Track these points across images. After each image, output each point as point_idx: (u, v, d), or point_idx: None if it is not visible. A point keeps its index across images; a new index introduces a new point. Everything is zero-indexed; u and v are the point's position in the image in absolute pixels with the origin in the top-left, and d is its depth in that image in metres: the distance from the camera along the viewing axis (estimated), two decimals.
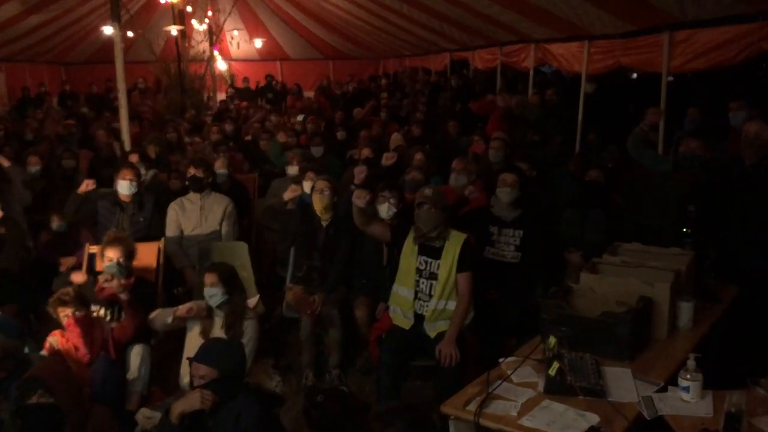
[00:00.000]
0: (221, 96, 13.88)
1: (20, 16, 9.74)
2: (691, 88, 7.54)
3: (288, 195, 4.75)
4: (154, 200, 4.65)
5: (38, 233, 4.76)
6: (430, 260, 3.28)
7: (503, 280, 3.69)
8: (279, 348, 4.13)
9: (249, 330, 3.46)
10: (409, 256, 3.34)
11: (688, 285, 2.97)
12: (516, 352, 2.73)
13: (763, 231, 3.41)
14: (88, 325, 3.25)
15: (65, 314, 3.25)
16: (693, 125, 5.89)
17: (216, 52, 13.58)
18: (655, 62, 5.53)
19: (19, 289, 4.09)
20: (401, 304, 3.36)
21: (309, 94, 14.59)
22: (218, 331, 3.42)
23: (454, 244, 3.26)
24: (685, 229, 3.36)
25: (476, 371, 2.73)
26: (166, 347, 3.84)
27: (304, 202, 4.64)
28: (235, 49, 15.25)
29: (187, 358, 2.74)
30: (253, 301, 3.68)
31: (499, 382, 2.44)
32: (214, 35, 13.37)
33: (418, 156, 5.47)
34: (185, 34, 11.87)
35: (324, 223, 4.12)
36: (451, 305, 3.24)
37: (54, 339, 3.28)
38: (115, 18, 6.67)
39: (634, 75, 8.54)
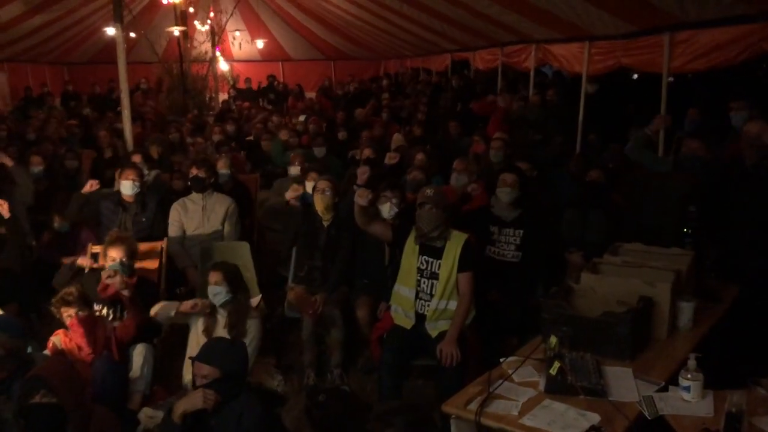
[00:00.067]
0: (223, 96, 13.90)
1: (23, 16, 9.77)
2: (691, 89, 7.55)
3: (290, 195, 4.77)
4: (156, 200, 4.66)
5: (40, 233, 4.77)
6: (431, 260, 3.29)
7: (504, 279, 3.70)
8: (280, 348, 4.14)
9: (252, 329, 3.47)
10: (411, 256, 3.34)
11: (688, 285, 2.98)
12: (517, 352, 2.73)
13: (763, 231, 3.42)
14: (91, 325, 3.26)
15: (68, 314, 3.26)
16: (693, 126, 5.90)
17: (218, 53, 13.60)
18: (656, 63, 5.53)
19: (21, 288, 4.11)
20: (402, 303, 3.37)
21: (310, 94, 14.61)
22: (221, 330, 3.43)
23: (455, 244, 3.27)
24: (685, 230, 3.37)
25: (477, 371, 2.73)
26: (168, 346, 3.85)
27: (306, 202, 4.65)
28: (237, 50, 15.28)
29: (190, 358, 2.74)
30: (255, 300, 3.69)
31: (500, 381, 2.45)
32: (216, 36, 13.39)
33: (420, 156, 5.49)
34: (187, 35, 11.89)
35: (325, 223, 4.13)
36: (452, 305, 3.25)
37: (57, 338, 3.30)
38: (117, 19, 6.69)
39: (635, 75, 8.53)
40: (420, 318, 3.31)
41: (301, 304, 3.91)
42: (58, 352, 3.26)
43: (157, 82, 12.40)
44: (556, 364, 2.40)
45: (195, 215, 4.57)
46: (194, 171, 4.68)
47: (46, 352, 3.29)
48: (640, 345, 2.66)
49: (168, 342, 3.88)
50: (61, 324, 3.35)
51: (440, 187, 4.01)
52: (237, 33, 14.52)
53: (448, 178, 5.15)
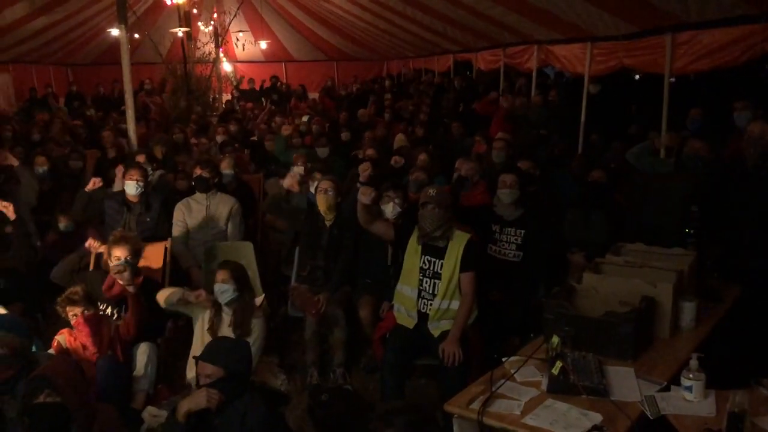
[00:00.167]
0: (227, 97, 13.94)
1: (28, 17, 9.81)
2: (693, 89, 7.55)
3: (287, 182, 4.75)
4: (161, 201, 4.68)
5: (45, 234, 4.79)
6: (433, 260, 3.30)
7: (506, 279, 3.71)
8: (283, 347, 4.15)
9: (256, 328, 3.48)
10: (413, 256, 3.36)
11: (690, 285, 2.98)
12: (519, 352, 2.74)
13: (764, 231, 3.42)
14: (96, 324, 3.28)
15: (74, 313, 3.28)
16: (695, 126, 5.89)
17: (221, 54, 13.63)
18: (658, 63, 5.53)
19: (26, 288, 4.13)
20: (405, 303, 3.38)
21: (314, 95, 14.63)
22: (226, 329, 3.45)
23: (458, 244, 3.28)
24: (687, 230, 3.38)
25: (480, 370, 2.75)
26: (172, 346, 3.87)
27: (309, 202, 4.67)
28: (240, 51, 15.31)
29: (194, 357, 2.75)
30: (258, 300, 3.71)
31: (503, 381, 2.46)
32: (220, 37, 13.43)
33: (422, 156, 5.50)
34: (191, 36, 11.92)
35: (328, 223, 4.14)
36: (455, 305, 3.26)
37: (62, 337, 3.32)
38: (121, 20, 6.72)
39: (637, 76, 8.53)
40: (422, 317, 3.32)
41: (304, 303, 3.92)
42: (63, 351, 3.27)
43: (160, 83, 12.43)
44: (559, 364, 2.40)
45: (199, 215, 4.59)
46: (198, 171, 4.70)
47: (51, 351, 3.30)
48: (642, 345, 2.66)
49: (172, 341, 3.90)
50: (66, 323, 3.37)
51: (443, 188, 4.02)
52: (240, 34, 14.55)
53: (450, 178, 5.16)
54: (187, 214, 4.59)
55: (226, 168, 5.31)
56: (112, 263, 3.51)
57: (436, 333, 3.27)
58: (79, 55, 14.58)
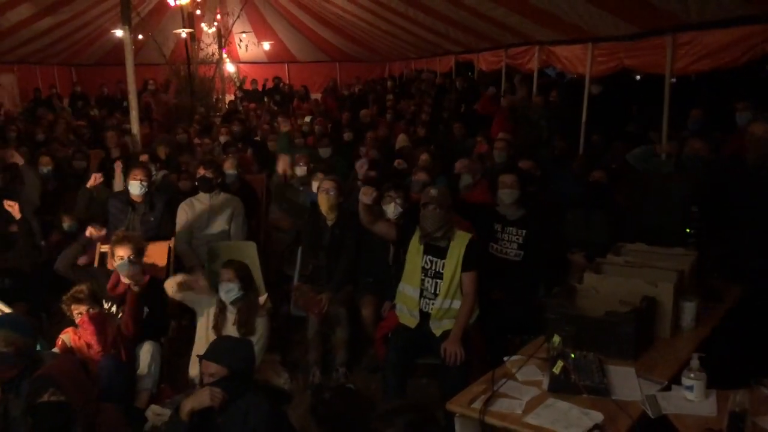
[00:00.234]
0: (230, 98, 13.98)
1: (32, 18, 9.85)
2: (694, 90, 7.55)
3: (280, 167, 4.76)
4: (164, 200, 4.70)
5: (49, 233, 4.82)
6: (435, 260, 3.32)
7: (507, 278, 3.72)
8: (286, 346, 4.17)
9: (260, 327, 3.50)
10: (415, 256, 3.37)
11: (691, 285, 2.99)
12: (520, 351, 2.75)
13: (765, 231, 3.42)
14: (101, 323, 3.29)
15: (79, 311, 3.29)
16: (696, 126, 5.90)
17: (224, 55, 13.66)
18: (659, 64, 5.54)
19: (30, 288, 4.16)
20: (407, 302, 3.40)
21: (316, 95, 14.65)
22: (231, 327, 3.47)
23: (459, 243, 3.30)
24: (688, 230, 3.38)
25: (481, 369, 2.76)
26: (175, 345, 3.89)
27: (312, 202, 4.69)
28: (243, 52, 15.34)
29: (197, 356, 2.77)
30: (261, 299, 3.72)
31: (504, 380, 2.47)
32: (223, 38, 13.46)
33: (424, 157, 5.51)
34: (194, 37, 11.96)
35: (329, 223, 4.16)
36: (456, 304, 3.28)
37: (66, 336, 3.34)
38: (125, 21, 6.74)
39: (638, 77, 8.54)
40: (424, 317, 3.33)
41: (306, 303, 3.94)
42: (68, 350, 3.29)
43: (163, 84, 12.48)
44: (560, 363, 2.41)
45: (202, 215, 4.61)
46: (201, 171, 4.72)
47: (56, 349, 3.32)
48: (643, 344, 2.67)
49: (175, 341, 3.92)
50: (70, 322, 3.39)
51: (444, 188, 4.02)
52: (243, 35, 14.59)
53: (451, 178, 5.17)
54: (191, 214, 4.61)
55: (229, 168, 5.33)
56: (116, 263, 3.53)
57: (437, 332, 3.28)
58: (83, 55, 14.63)
